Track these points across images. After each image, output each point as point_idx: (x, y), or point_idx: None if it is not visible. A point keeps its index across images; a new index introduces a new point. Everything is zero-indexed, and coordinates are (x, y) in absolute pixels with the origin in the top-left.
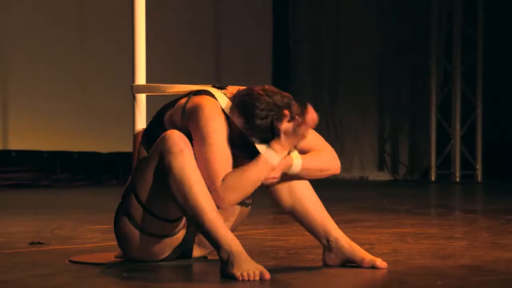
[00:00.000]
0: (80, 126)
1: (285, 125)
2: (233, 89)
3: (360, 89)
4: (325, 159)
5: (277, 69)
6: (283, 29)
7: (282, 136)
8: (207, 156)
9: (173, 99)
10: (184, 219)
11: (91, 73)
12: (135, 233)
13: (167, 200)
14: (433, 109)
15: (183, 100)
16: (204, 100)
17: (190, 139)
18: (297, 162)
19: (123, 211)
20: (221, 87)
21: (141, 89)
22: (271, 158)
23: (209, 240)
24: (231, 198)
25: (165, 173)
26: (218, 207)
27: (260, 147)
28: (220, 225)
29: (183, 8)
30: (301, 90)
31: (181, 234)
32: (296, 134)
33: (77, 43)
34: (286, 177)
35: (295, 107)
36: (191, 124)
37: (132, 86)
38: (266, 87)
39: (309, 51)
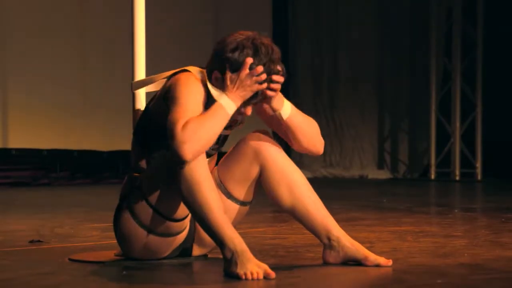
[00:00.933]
0: (80, 124)
1: (228, 73)
2: None
3: (360, 88)
4: (313, 124)
5: None
6: (282, 29)
7: (227, 82)
8: (172, 111)
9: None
10: (188, 219)
11: (91, 71)
12: (138, 232)
13: (174, 199)
14: (433, 108)
15: (162, 87)
16: (180, 75)
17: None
18: (286, 104)
19: (127, 209)
20: (201, 67)
21: (138, 84)
22: (227, 105)
23: (214, 238)
24: (190, 147)
25: (174, 171)
26: (182, 160)
27: (214, 93)
28: (225, 223)
29: (183, 7)
30: (301, 90)
31: (184, 234)
32: (243, 86)
33: (77, 41)
34: (272, 119)
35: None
36: (169, 99)
37: (131, 84)
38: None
39: (309, 50)
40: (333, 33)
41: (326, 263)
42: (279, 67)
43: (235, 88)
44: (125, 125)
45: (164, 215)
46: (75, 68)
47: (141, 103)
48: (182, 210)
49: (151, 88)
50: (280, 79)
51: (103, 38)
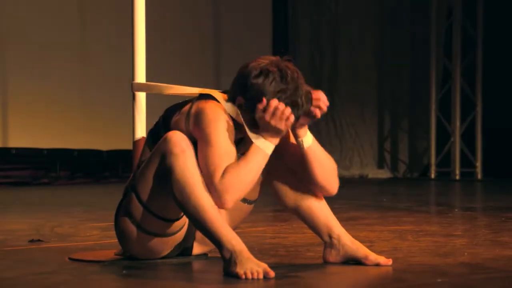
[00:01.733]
0: (80, 124)
1: (259, 114)
2: None
3: (360, 87)
4: (331, 162)
5: None
6: (282, 30)
7: (260, 123)
8: (206, 154)
9: (180, 101)
10: (184, 218)
11: (91, 70)
12: (134, 232)
13: (168, 199)
14: (433, 107)
15: (187, 107)
16: (206, 104)
17: (195, 145)
18: (309, 134)
19: (123, 209)
20: (224, 91)
21: (140, 87)
22: (264, 146)
23: (211, 239)
24: (231, 196)
25: (166, 174)
26: (222, 207)
27: (251, 135)
28: (221, 223)
29: (183, 7)
30: None
31: (181, 233)
32: (275, 125)
33: (77, 41)
34: (289, 146)
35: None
36: (195, 129)
37: (132, 84)
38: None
39: (309, 50)
40: (333, 33)
41: (326, 262)
42: (307, 89)
43: (270, 124)
44: (125, 125)
45: (158, 215)
46: (75, 67)
47: (141, 104)
48: (176, 210)
49: (154, 91)
50: (322, 95)
51: (103, 38)
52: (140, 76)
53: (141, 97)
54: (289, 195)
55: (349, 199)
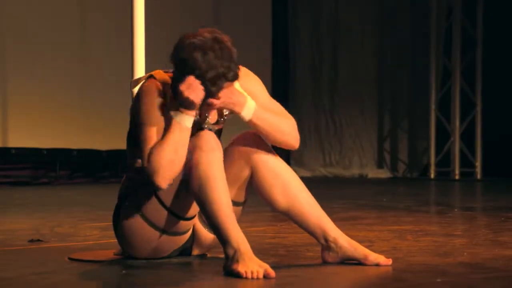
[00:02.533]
0: (79, 124)
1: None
2: None
3: (360, 87)
4: (284, 121)
5: (277, 68)
6: (282, 29)
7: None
8: (139, 137)
9: None
10: (193, 220)
11: (91, 71)
12: (145, 230)
13: (186, 197)
14: (433, 107)
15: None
16: (142, 86)
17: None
18: (249, 107)
19: (134, 206)
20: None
21: (135, 83)
22: (182, 120)
23: (219, 234)
24: (161, 176)
25: (190, 168)
26: (158, 188)
27: (172, 112)
28: (233, 222)
29: (182, 7)
30: (301, 89)
31: (188, 234)
32: (190, 95)
33: (77, 41)
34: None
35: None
36: (135, 113)
37: (130, 83)
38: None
39: (309, 50)
40: (333, 33)
41: (325, 263)
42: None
43: (184, 102)
44: (124, 124)
45: (174, 213)
46: (75, 68)
47: None
48: (193, 209)
49: None
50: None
51: (102, 37)
52: (139, 74)
53: None
54: (279, 198)
55: (348, 199)
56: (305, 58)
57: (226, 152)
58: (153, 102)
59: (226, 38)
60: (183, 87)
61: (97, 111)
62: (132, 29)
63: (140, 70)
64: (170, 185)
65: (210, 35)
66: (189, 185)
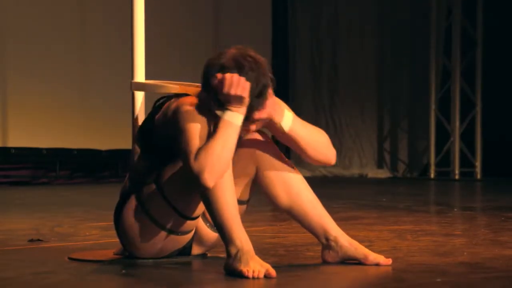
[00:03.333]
0: (79, 124)
1: (218, 88)
2: None
3: (360, 87)
4: (320, 133)
5: (277, 69)
6: (282, 29)
7: (222, 98)
8: (181, 142)
9: (167, 95)
10: (197, 220)
11: (90, 70)
12: (151, 229)
13: (193, 197)
14: (433, 107)
15: (166, 105)
16: (182, 100)
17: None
18: (288, 116)
19: (139, 206)
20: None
21: (138, 86)
22: (231, 118)
23: (223, 232)
24: (209, 173)
25: None
26: (204, 186)
27: (218, 112)
28: (237, 222)
29: (182, 7)
30: (301, 89)
31: (191, 234)
32: (238, 94)
33: (77, 41)
34: (277, 131)
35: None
36: (173, 124)
37: (130, 83)
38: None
39: (309, 50)
40: (333, 33)
41: (325, 262)
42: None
43: (231, 101)
44: (124, 124)
45: (180, 212)
46: (75, 67)
47: (140, 103)
48: (199, 208)
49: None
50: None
51: (102, 37)
52: (139, 75)
53: (139, 96)
54: (281, 197)
55: (348, 198)
56: (305, 58)
57: (234, 153)
58: (198, 120)
59: (250, 50)
60: (227, 86)
61: (97, 111)
62: (132, 29)
63: (140, 70)
64: (218, 182)
65: (237, 51)
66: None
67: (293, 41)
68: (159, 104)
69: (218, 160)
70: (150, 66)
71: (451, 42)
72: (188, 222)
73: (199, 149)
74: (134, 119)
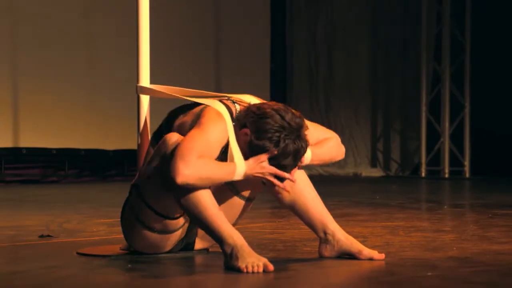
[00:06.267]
0: (87, 125)
1: (262, 156)
2: (241, 101)
3: (354, 90)
4: (332, 146)
5: (275, 70)
6: (280, 30)
7: (253, 159)
8: (194, 134)
9: (186, 103)
10: (185, 216)
11: (98, 72)
12: (138, 228)
13: (168, 198)
14: (424, 109)
15: (198, 109)
16: (214, 109)
17: None
18: (307, 155)
19: (129, 207)
20: (233, 101)
21: (145, 90)
22: (238, 169)
23: (212, 235)
24: (190, 177)
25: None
26: (173, 178)
27: (237, 154)
28: (222, 220)
29: (185, 13)
30: (297, 90)
31: (182, 230)
32: (261, 170)
33: (84, 44)
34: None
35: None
36: (196, 123)
37: (136, 87)
38: (276, 106)
39: (306, 52)
40: (328, 37)
41: (321, 257)
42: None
43: (254, 167)
44: (130, 125)
45: (159, 213)
46: (83, 69)
47: (145, 105)
48: (177, 208)
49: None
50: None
51: (111, 40)
52: (145, 79)
53: (145, 98)
54: (285, 193)
55: (343, 196)
56: (302, 60)
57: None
58: (222, 130)
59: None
60: (272, 177)
61: (104, 112)
62: (137, 32)
63: (145, 74)
64: (181, 185)
65: (293, 123)
66: (173, 193)
67: (291, 42)
68: (175, 111)
69: (203, 178)
70: (155, 69)
71: (441, 47)
72: (170, 221)
73: (208, 158)
74: (139, 121)
